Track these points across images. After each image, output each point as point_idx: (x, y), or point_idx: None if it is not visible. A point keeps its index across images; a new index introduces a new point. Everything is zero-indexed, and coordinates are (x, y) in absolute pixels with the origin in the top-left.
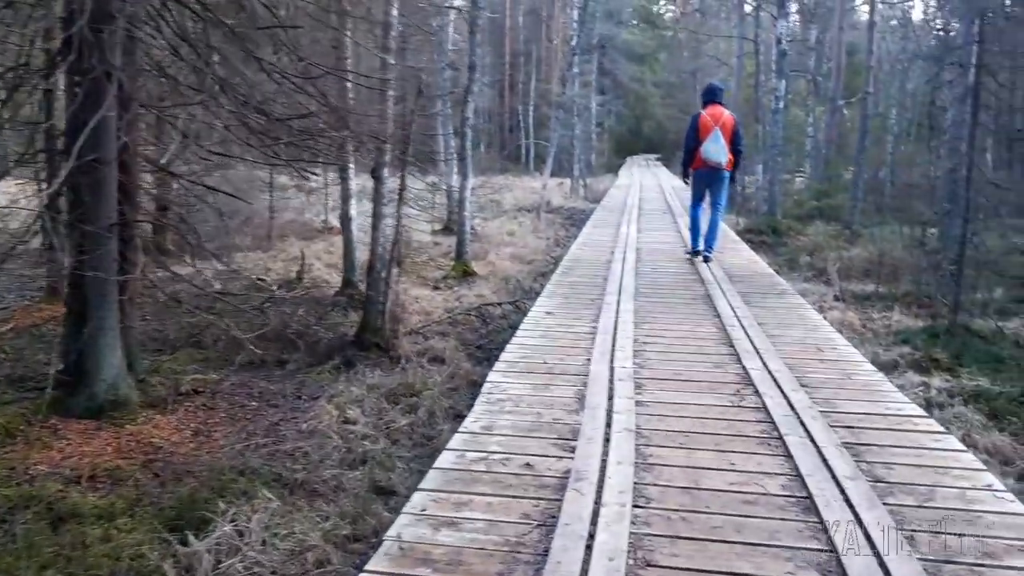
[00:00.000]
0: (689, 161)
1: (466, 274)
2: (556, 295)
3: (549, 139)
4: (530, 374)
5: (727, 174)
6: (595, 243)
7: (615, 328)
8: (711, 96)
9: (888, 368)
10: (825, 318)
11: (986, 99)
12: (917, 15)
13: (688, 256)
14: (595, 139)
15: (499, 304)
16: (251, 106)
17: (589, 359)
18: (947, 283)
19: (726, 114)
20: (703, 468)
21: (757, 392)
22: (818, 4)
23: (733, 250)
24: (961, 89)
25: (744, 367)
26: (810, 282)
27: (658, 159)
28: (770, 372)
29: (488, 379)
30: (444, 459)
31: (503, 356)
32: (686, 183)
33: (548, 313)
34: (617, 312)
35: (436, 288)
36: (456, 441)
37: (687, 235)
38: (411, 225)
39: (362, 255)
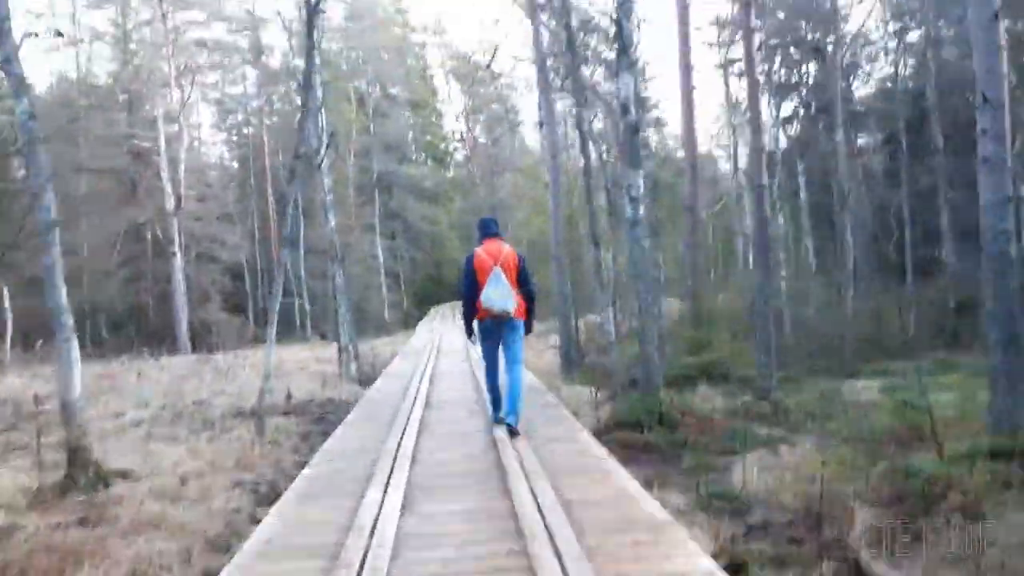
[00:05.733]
0: (471, 313)
1: None
2: None
3: (272, 293)
4: None
5: (520, 323)
6: (313, 521)
7: None
8: (487, 229)
9: None
10: None
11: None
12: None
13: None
14: (385, 290)
15: None
16: None
17: None
18: None
19: (507, 249)
20: None
21: None
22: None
23: (589, 477)
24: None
25: None
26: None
27: None
28: None
29: None
30: None
31: None
32: (472, 341)
33: None
34: None
35: None
36: None
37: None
38: None
39: None
